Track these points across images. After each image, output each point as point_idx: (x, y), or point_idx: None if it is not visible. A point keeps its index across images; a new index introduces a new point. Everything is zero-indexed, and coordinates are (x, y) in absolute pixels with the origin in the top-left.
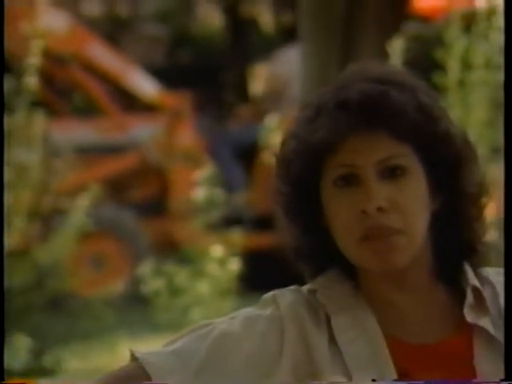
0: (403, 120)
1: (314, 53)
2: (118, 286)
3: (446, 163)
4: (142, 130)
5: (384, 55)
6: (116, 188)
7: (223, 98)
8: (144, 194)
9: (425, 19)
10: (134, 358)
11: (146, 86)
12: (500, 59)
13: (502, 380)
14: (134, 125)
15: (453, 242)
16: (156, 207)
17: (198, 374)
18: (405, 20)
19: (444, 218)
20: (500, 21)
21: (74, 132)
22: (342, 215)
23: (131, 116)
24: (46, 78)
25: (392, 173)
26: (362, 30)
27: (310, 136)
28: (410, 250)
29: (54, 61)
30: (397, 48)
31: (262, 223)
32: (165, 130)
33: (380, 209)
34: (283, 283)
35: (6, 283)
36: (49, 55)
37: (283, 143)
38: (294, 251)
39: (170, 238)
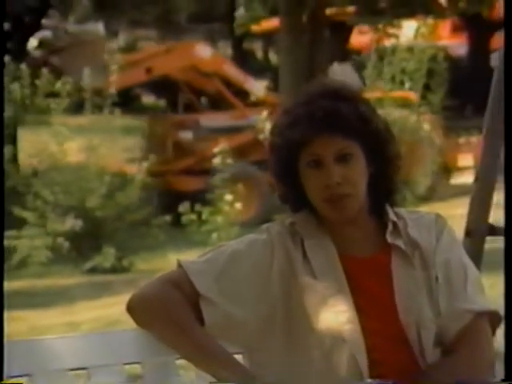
0: (349, 125)
1: (289, 73)
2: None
3: (376, 145)
4: (255, 117)
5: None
6: (241, 153)
7: None
8: (256, 158)
9: (357, 52)
10: (179, 265)
11: (257, 89)
12: (402, 77)
13: (502, 380)
14: (251, 114)
15: (380, 191)
16: (265, 165)
17: (219, 276)
18: (344, 53)
19: (375, 176)
20: (402, 53)
21: (215, 120)
22: (313, 186)
23: (249, 108)
24: (197, 87)
25: (343, 158)
26: (318, 59)
27: (291, 136)
28: (356, 206)
29: (202, 76)
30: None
31: None
32: (268, 116)
33: (337, 183)
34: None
35: (101, 215)
36: (199, 72)
37: (272, 139)
38: (282, 198)
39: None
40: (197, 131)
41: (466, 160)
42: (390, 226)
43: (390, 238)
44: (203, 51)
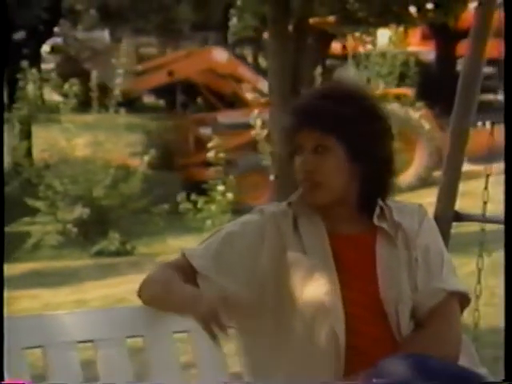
0: (329, 123)
1: (276, 75)
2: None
3: (364, 145)
4: (265, 114)
5: (312, 78)
6: (255, 146)
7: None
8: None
9: (337, 58)
10: (182, 254)
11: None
12: (377, 80)
13: (502, 380)
14: (263, 111)
15: (375, 187)
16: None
17: (214, 256)
18: (325, 58)
19: (370, 174)
20: (376, 59)
21: (231, 117)
22: (296, 170)
23: (260, 106)
24: (214, 88)
25: (319, 150)
26: (303, 63)
27: (286, 125)
28: (327, 196)
29: (219, 77)
30: (319, 73)
31: None
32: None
33: (311, 171)
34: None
35: (107, 204)
36: (216, 74)
37: (281, 128)
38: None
39: None
40: (215, 127)
41: None
42: (378, 211)
43: (376, 221)
44: (220, 55)
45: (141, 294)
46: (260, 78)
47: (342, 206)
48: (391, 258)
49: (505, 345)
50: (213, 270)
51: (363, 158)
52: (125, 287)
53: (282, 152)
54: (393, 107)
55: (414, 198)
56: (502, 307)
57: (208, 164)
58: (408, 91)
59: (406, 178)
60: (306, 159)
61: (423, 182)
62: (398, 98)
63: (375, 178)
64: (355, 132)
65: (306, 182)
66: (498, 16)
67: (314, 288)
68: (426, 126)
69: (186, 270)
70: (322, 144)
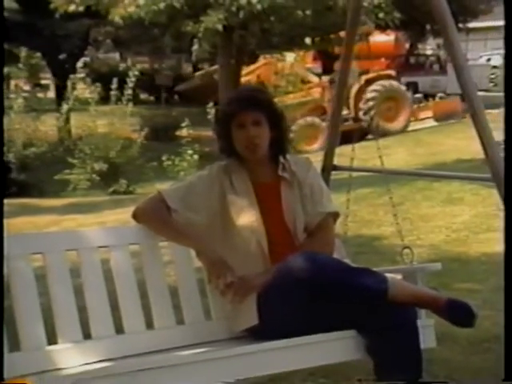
0: (259, 105)
1: (224, 79)
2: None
3: (275, 120)
4: (316, 94)
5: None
6: (309, 113)
7: None
8: (318, 114)
9: None
10: (158, 192)
11: (314, 78)
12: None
13: (502, 380)
14: (312, 92)
15: (277, 147)
16: (322, 117)
17: (183, 198)
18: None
19: (275, 139)
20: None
21: (296, 98)
22: (239, 140)
23: (309, 89)
24: (279, 82)
25: (257, 123)
26: (240, 74)
27: (228, 110)
28: (262, 151)
29: (281, 76)
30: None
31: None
32: (321, 93)
33: (253, 137)
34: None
35: (118, 162)
36: (280, 74)
37: (217, 114)
38: (220, 149)
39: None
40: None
41: (425, 114)
42: (281, 166)
43: (280, 172)
44: (284, 63)
45: (136, 217)
46: (309, 74)
47: (262, 163)
48: (290, 196)
49: (505, 345)
50: (182, 206)
51: (274, 129)
52: (129, 214)
53: (222, 131)
54: (387, 82)
55: (313, 157)
56: (363, 223)
57: None
58: (393, 72)
59: (395, 125)
60: (250, 130)
61: (405, 128)
62: (388, 76)
63: (280, 142)
64: (272, 113)
65: (251, 144)
66: (357, 46)
67: (245, 217)
68: (409, 94)
69: (164, 203)
70: (257, 120)
